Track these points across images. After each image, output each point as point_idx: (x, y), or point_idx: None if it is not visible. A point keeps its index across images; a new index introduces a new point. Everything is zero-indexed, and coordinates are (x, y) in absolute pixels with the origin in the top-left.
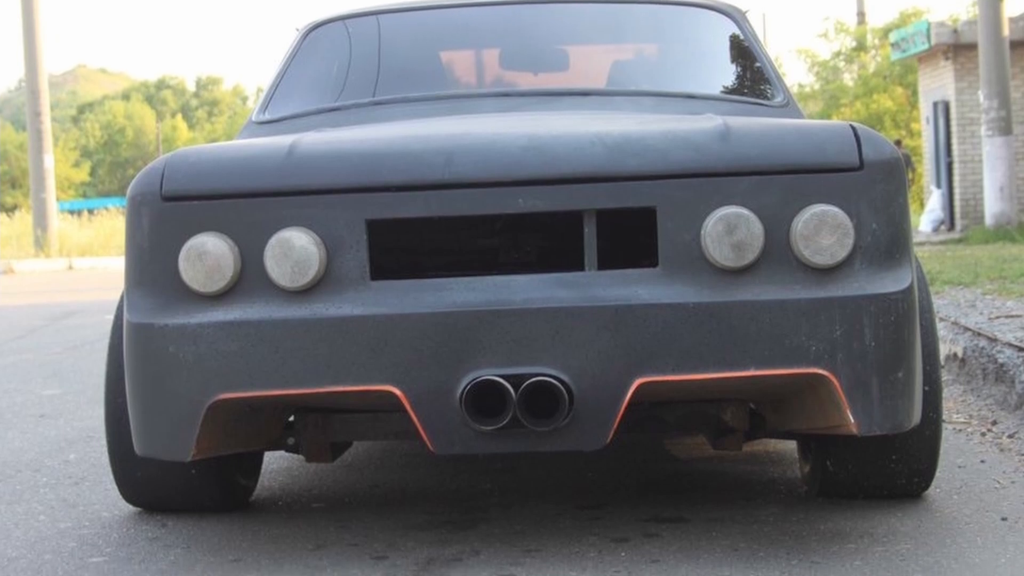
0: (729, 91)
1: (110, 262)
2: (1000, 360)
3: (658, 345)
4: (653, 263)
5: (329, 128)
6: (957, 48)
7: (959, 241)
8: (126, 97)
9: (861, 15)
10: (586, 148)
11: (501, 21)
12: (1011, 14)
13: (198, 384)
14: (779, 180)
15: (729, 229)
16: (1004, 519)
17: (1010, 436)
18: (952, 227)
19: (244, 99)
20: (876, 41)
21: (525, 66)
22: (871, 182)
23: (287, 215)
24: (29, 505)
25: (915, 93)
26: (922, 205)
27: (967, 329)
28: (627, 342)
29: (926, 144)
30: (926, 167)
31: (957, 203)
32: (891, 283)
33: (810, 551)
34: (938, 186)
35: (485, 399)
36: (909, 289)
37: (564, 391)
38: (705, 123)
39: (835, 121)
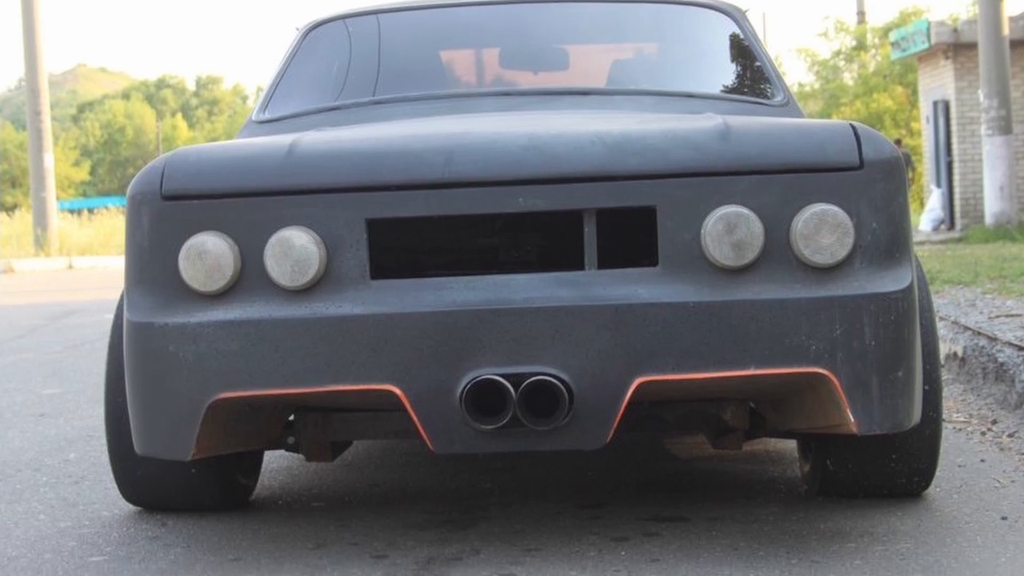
0: (729, 90)
1: (110, 261)
2: (1000, 359)
3: (658, 344)
4: (653, 262)
5: (329, 127)
6: (957, 47)
7: (959, 240)
8: (126, 96)
9: (861, 14)
10: (586, 147)
11: (501, 20)
12: (1011, 13)
13: (198, 383)
14: (779, 179)
15: (729, 228)
16: (1004, 518)
17: (1010, 435)
18: (952, 226)
19: (244, 98)
20: (876, 40)
21: (525, 65)
22: (871, 181)
23: (287, 214)
24: (29, 504)
25: (915, 92)
26: (922, 204)
27: (967, 328)
28: (627, 341)
29: (926, 143)
30: (926, 166)
31: (957, 202)
32: (891, 282)
33: (810, 550)
34: (938, 185)
35: (485, 398)
36: (909, 288)
37: (564, 390)
38: (705, 122)
39: (835, 120)
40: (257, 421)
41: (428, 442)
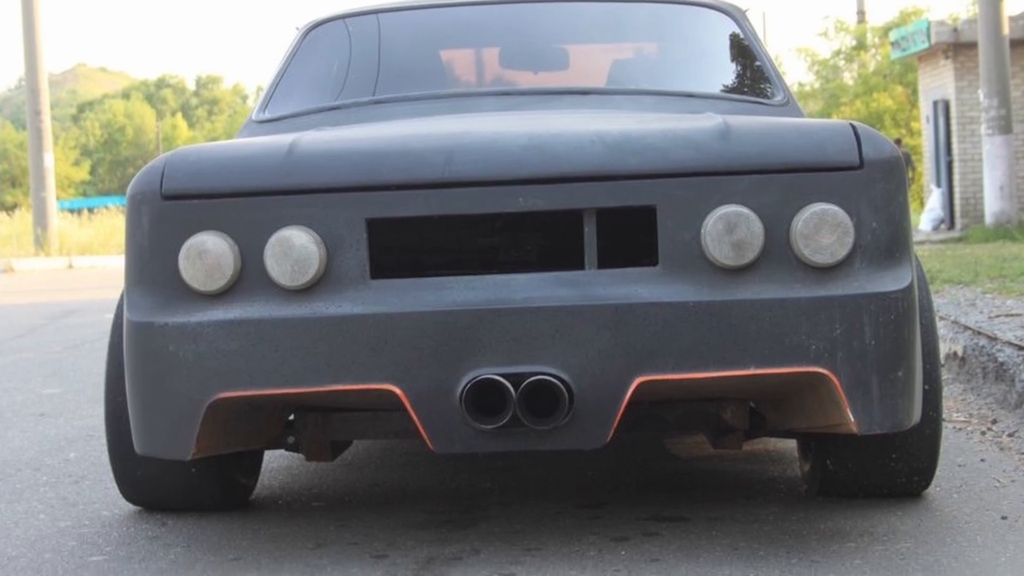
0: (729, 90)
1: (110, 261)
2: (1000, 359)
3: (658, 344)
4: (653, 262)
5: (329, 127)
6: (957, 47)
7: (959, 240)
8: (126, 96)
9: (861, 14)
10: (586, 147)
11: (501, 20)
12: (1011, 13)
13: (198, 383)
14: (779, 179)
15: (729, 228)
16: (1004, 518)
17: (1010, 435)
18: (952, 226)
19: (244, 98)
20: (876, 40)
21: (525, 65)
22: (871, 181)
23: (287, 214)
24: (29, 504)
25: (915, 92)
26: (922, 204)
27: (967, 328)
28: (627, 341)
29: (926, 143)
30: (926, 166)
31: (957, 202)
32: (891, 282)
33: (810, 550)
34: (938, 185)
35: (485, 398)
36: (909, 288)
37: (564, 390)
38: (705, 122)
39: (835, 120)
40: (257, 421)
41: (428, 442)
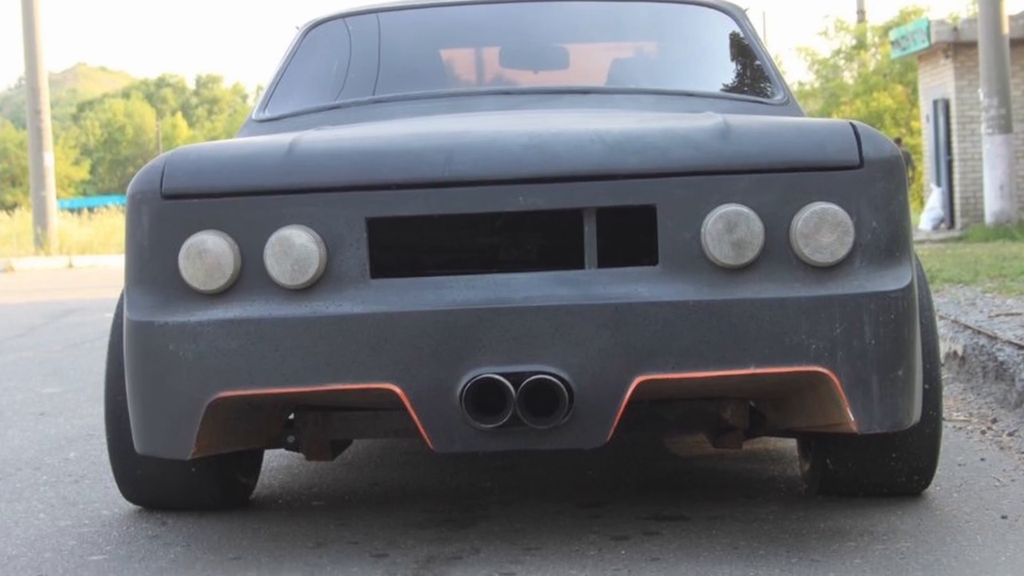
0: (729, 89)
1: (110, 260)
2: (1000, 358)
3: (658, 343)
4: (653, 261)
5: (329, 126)
6: (957, 46)
7: (959, 239)
8: (126, 95)
9: (861, 13)
10: (586, 146)
11: (501, 19)
12: (1011, 12)
13: (198, 382)
14: (779, 178)
15: (729, 227)
16: (1004, 517)
17: (1010, 434)
18: (952, 225)
19: (244, 97)
20: (876, 39)
21: (525, 64)
22: (871, 180)
23: (287, 213)
24: (29, 503)
25: (915, 91)
26: (922, 203)
27: (967, 327)
28: (627, 340)
29: (926, 142)
30: (926, 165)
31: (957, 201)
32: (891, 281)
33: (810, 549)
34: (938, 184)
35: (485, 397)
36: (909, 287)
37: (564, 389)
38: (705, 121)
39: (835, 119)
40: (257, 420)
41: (428, 441)
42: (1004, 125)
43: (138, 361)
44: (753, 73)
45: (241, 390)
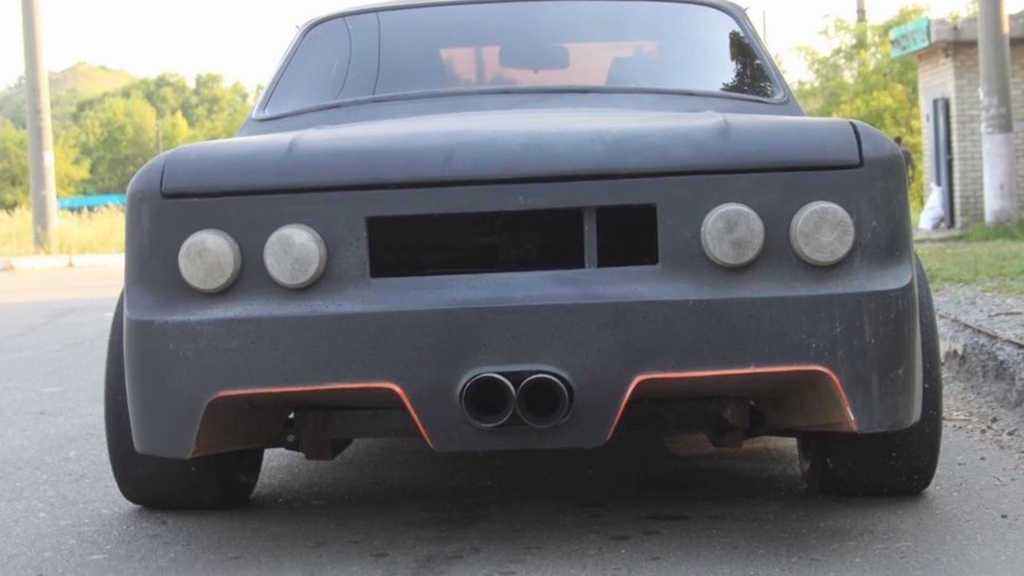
0: (729, 88)
1: (110, 259)
2: (1000, 357)
3: (658, 342)
4: (653, 260)
5: (329, 125)
6: (957, 45)
7: (959, 238)
8: (126, 94)
9: (861, 12)
10: (586, 145)
11: (501, 18)
12: (1011, 11)
13: (198, 381)
14: (779, 177)
15: (729, 226)
16: (1004, 516)
17: (1010, 433)
18: (952, 224)
19: (244, 96)
20: (876, 38)
21: (525, 63)
22: (871, 179)
23: (287, 212)
24: (29, 502)
25: (915, 90)
26: (922, 202)
27: (967, 326)
28: (627, 339)
29: (926, 141)
30: (926, 164)
31: (957, 200)
32: (891, 280)
33: (810, 548)
34: (938, 183)
35: (485, 396)
36: (909, 286)
37: (564, 388)
38: (705, 120)
39: (835, 118)
40: (257, 419)
41: (428, 440)
42: (1004, 124)
43: (138, 360)
44: (753, 72)
45: (241, 389)
